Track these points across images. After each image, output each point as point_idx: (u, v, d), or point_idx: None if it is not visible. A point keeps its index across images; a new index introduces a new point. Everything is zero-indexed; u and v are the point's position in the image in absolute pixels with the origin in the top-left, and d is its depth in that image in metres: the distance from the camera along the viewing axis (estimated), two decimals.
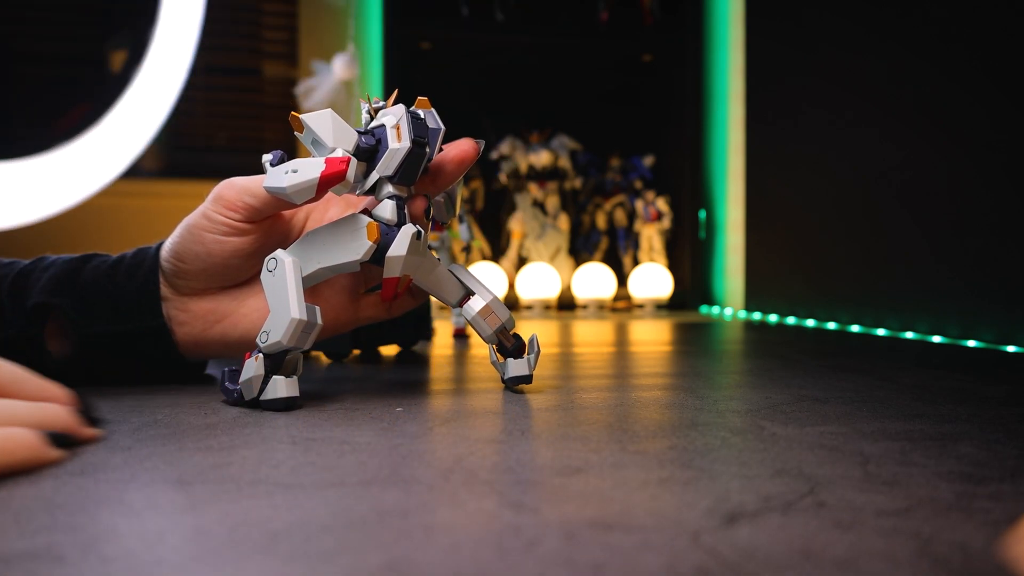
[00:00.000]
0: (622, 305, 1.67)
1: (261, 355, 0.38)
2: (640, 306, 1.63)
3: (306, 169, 0.36)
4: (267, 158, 0.39)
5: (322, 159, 0.36)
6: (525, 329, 1.06)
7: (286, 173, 0.36)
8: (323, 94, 1.52)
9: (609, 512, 0.22)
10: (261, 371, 0.38)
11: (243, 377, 0.38)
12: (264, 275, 0.38)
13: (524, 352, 0.45)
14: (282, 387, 0.38)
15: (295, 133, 0.38)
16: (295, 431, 0.33)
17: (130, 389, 0.44)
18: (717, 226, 1.61)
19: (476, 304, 0.43)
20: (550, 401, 0.42)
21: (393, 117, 0.38)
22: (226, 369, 0.41)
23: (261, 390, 0.38)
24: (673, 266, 1.67)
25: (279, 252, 0.39)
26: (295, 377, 0.39)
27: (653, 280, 1.61)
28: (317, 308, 0.39)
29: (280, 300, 0.38)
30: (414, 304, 0.45)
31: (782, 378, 0.51)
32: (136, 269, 0.44)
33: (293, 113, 0.38)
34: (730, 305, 1.54)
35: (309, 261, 0.39)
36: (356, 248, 0.38)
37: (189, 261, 0.42)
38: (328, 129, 0.37)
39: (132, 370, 0.46)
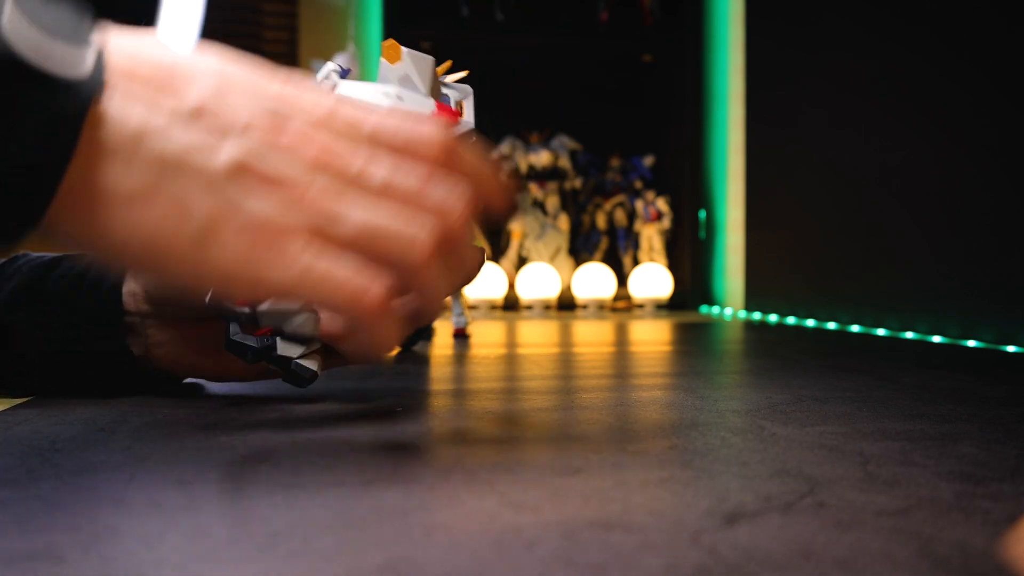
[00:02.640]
0: (622, 305, 1.67)
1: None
2: (640, 306, 1.63)
3: (414, 102, 0.32)
4: (331, 67, 0.34)
5: (429, 100, 0.32)
6: (525, 330, 1.05)
7: (386, 96, 0.31)
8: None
9: (609, 512, 0.22)
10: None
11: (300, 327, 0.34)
12: None
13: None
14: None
15: (383, 59, 0.33)
16: (295, 431, 0.33)
17: (129, 390, 0.44)
18: (717, 226, 1.61)
19: None
20: (550, 401, 0.42)
21: (457, 93, 0.35)
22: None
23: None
24: (673, 266, 1.67)
25: None
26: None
27: (653, 280, 1.61)
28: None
29: None
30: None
31: (782, 378, 0.51)
32: (99, 283, 0.41)
33: (392, 40, 0.34)
34: (730, 305, 1.54)
35: None
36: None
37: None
38: (428, 76, 0.33)
39: (97, 384, 0.43)
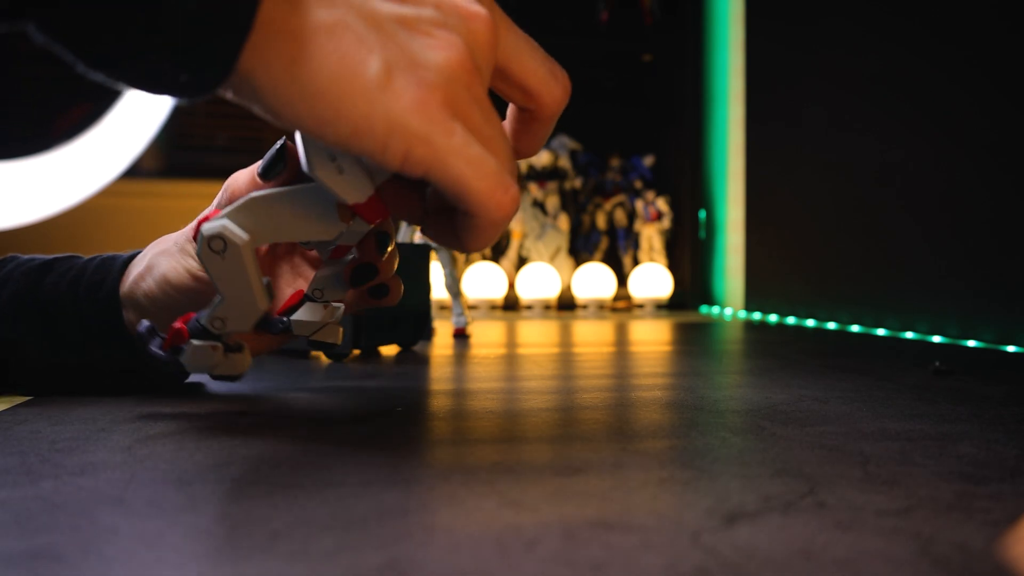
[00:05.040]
0: (622, 305, 1.67)
1: (214, 341, 0.34)
2: (640, 306, 1.63)
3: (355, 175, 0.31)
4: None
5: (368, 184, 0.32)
6: (525, 330, 1.05)
7: (333, 160, 0.30)
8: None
9: (609, 512, 0.22)
10: (218, 357, 0.34)
11: (193, 359, 0.34)
12: (207, 254, 0.32)
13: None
14: (239, 362, 0.35)
15: None
16: (295, 431, 0.33)
17: (130, 389, 0.44)
18: (717, 226, 1.61)
19: None
20: (550, 401, 0.42)
21: None
22: (148, 325, 0.35)
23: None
24: (673, 266, 1.67)
25: (224, 225, 0.32)
26: (246, 348, 0.36)
27: (653, 280, 1.61)
28: (269, 282, 0.34)
29: (239, 288, 0.32)
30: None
31: (782, 378, 0.51)
32: (98, 288, 0.40)
33: None
34: (730, 305, 1.54)
35: (263, 236, 0.33)
36: (327, 227, 0.33)
37: (178, 291, 0.39)
38: None
39: (109, 382, 0.44)
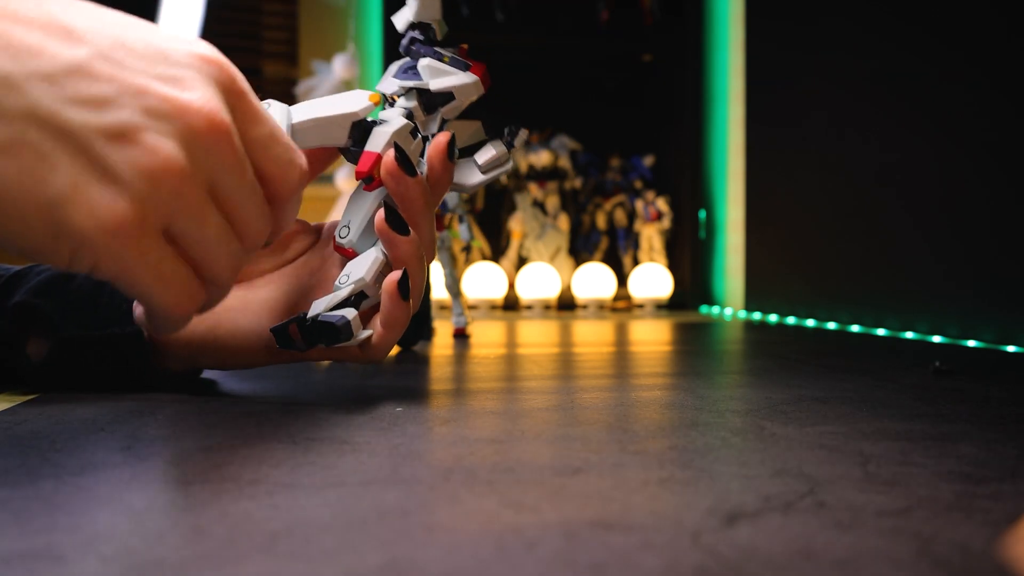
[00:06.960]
0: (622, 305, 1.67)
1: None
2: (640, 306, 1.63)
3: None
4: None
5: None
6: (525, 330, 1.05)
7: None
8: (323, 94, 1.52)
9: (609, 512, 0.22)
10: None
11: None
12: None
13: None
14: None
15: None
16: (295, 431, 0.33)
17: (130, 390, 0.44)
18: (717, 226, 1.61)
19: None
20: (550, 401, 0.42)
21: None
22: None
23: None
24: (673, 266, 1.67)
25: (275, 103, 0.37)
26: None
27: (653, 280, 1.61)
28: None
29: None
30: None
31: (782, 378, 0.51)
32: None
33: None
34: (730, 305, 1.54)
35: (300, 112, 0.38)
36: (355, 102, 0.39)
37: None
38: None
39: (111, 378, 0.44)
